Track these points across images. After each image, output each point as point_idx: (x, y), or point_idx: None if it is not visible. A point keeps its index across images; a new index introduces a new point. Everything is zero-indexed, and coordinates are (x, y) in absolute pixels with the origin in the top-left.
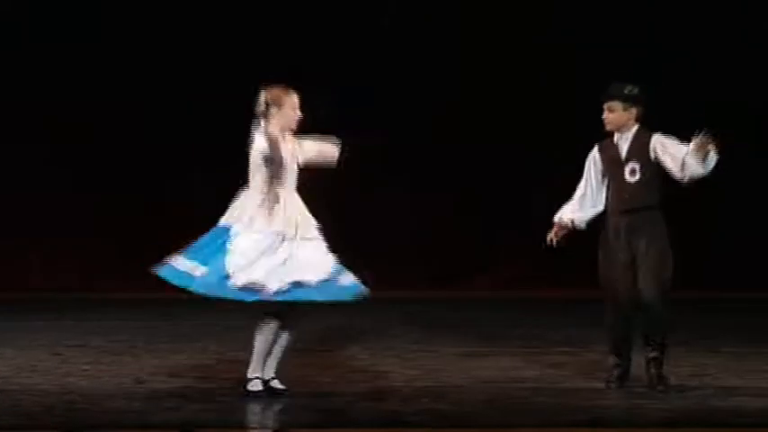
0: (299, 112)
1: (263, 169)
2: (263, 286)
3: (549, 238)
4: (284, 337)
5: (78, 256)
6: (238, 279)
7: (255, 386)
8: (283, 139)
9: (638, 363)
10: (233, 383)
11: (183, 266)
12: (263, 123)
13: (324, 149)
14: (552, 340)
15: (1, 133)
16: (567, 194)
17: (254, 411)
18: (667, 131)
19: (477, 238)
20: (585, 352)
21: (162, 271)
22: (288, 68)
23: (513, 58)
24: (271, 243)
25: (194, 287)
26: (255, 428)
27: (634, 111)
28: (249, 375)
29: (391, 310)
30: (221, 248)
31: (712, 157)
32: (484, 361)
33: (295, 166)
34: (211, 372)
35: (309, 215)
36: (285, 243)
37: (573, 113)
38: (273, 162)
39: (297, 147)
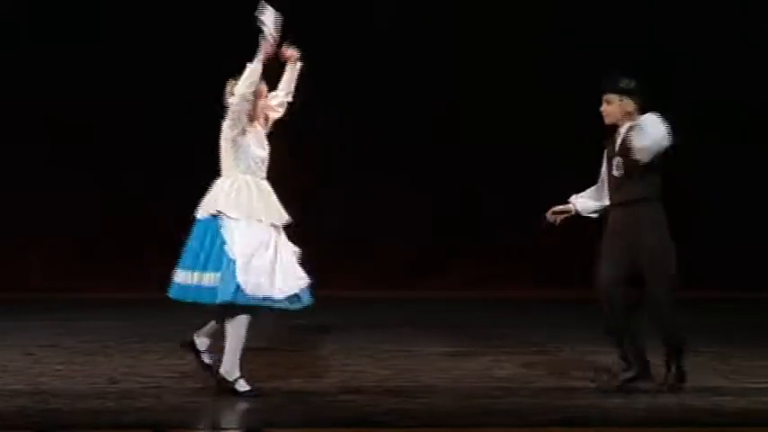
0: (264, 101)
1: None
2: (270, 293)
3: (547, 215)
4: None
5: (75, 257)
6: (247, 286)
7: (243, 386)
8: (254, 128)
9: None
10: (206, 383)
11: (190, 280)
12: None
13: (285, 79)
14: (527, 340)
15: (1, 133)
16: (566, 195)
17: (227, 411)
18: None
19: (477, 238)
20: (559, 351)
21: (173, 292)
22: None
23: (513, 58)
24: (265, 238)
25: (217, 299)
26: (228, 428)
27: (631, 103)
28: (231, 378)
29: (374, 309)
30: (221, 250)
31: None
32: (458, 361)
33: (266, 154)
34: (184, 371)
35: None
36: (275, 236)
37: (573, 113)
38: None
39: (270, 118)
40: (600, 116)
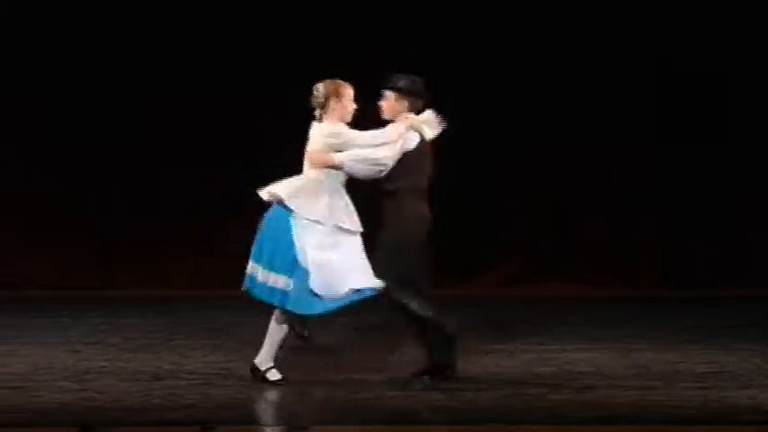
0: (354, 105)
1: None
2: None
3: None
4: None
5: (96, 255)
6: (325, 292)
7: (274, 375)
8: None
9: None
10: (251, 380)
11: (263, 277)
12: (320, 115)
13: None
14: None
15: (1, 133)
16: (565, 194)
17: (274, 408)
18: (666, 129)
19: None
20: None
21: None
22: (288, 69)
23: (513, 58)
24: (335, 239)
25: (289, 306)
26: (276, 425)
27: (404, 103)
28: (263, 367)
29: None
30: (291, 252)
31: None
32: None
33: None
34: (230, 369)
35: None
36: (344, 236)
37: (573, 113)
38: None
39: None
40: (596, 115)
